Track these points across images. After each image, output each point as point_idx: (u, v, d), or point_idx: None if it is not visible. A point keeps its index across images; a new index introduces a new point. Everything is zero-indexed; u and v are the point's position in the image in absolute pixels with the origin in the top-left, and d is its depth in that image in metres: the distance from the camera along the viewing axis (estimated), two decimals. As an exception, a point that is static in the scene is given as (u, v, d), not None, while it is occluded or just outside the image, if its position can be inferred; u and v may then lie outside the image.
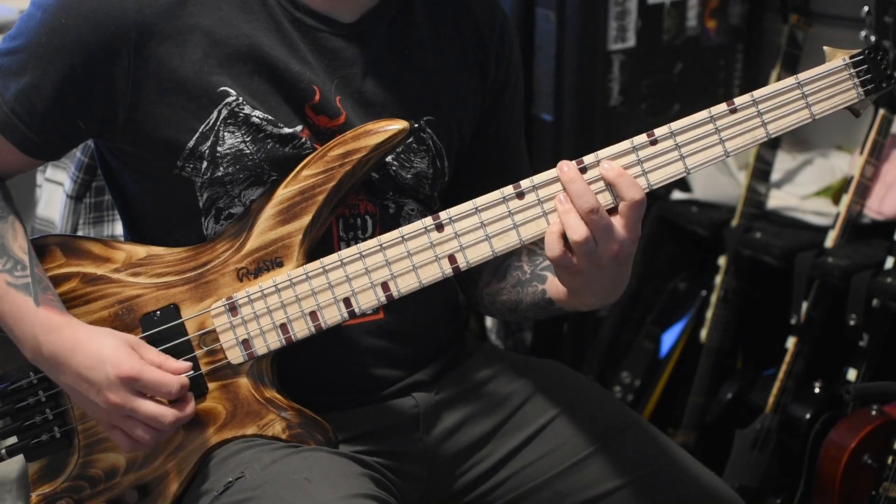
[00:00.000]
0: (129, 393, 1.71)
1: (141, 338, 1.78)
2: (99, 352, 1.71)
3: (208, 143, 1.78)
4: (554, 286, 1.85)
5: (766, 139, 1.68)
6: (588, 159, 1.69)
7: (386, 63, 1.87)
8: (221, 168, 1.79)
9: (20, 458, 1.88)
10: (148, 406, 1.72)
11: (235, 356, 1.77)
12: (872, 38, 2.62)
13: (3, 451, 1.83)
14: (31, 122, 1.78)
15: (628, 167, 1.68)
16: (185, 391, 1.74)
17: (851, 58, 1.66)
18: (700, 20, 3.27)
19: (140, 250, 1.81)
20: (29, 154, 1.81)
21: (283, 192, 1.77)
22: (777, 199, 3.05)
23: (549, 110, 3.16)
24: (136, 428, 1.74)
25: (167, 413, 1.72)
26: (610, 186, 1.68)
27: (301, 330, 1.76)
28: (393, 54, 1.88)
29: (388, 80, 1.87)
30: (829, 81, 1.66)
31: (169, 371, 1.74)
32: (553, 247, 1.68)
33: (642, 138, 1.69)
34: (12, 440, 1.84)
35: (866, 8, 2.64)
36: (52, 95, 1.76)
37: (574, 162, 1.69)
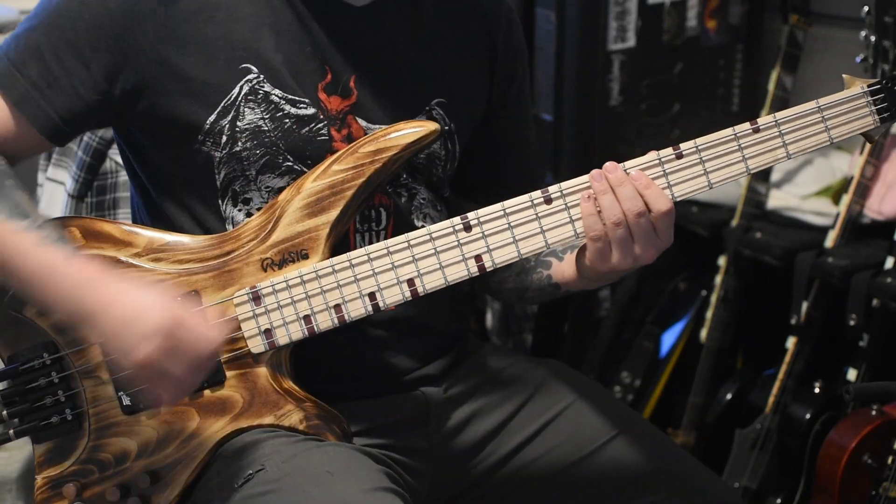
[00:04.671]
0: (165, 347, 1.64)
1: None
2: (140, 303, 1.66)
3: (229, 118, 1.80)
4: (559, 271, 1.92)
5: (786, 160, 1.75)
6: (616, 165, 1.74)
7: (397, 46, 1.90)
8: (240, 143, 1.80)
9: (21, 458, 1.87)
10: (179, 367, 1.66)
11: (256, 345, 1.77)
12: (872, 38, 2.62)
13: (12, 431, 1.82)
14: (52, 97, 1.78)
15: (654, 179, 1.73)
16: (223, 346, 1.74)
17: (869, 86, 1.74)
18: (700, 20, 3.27)
19: (162, 236, 1.81)
20: (44, 133, 1.81)
21: (312, 185, 1.78)
22: (777, 199, 3.06)
23: (549, 110, 3.17)
24: (163, 388, 1.70)
25: (196, 376, 1.71)
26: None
27: (324, 322, 1.77)
28: (404, 38, 1.91)
29: (399, 62, 1.90)
30: (847, 108, 1.75)
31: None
32: (595, 225, 1.72)
33: (668, 152, 1.74)
34: (20, 421, 1.82)
35: (866, 8, 2.65)
36: (77, 68, 1.77)
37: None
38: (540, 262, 1.94)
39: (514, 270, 2.00)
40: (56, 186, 2.68)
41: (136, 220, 1.97)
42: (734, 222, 3.03)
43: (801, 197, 3.07)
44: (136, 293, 1.68)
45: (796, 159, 3.14)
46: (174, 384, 1.69)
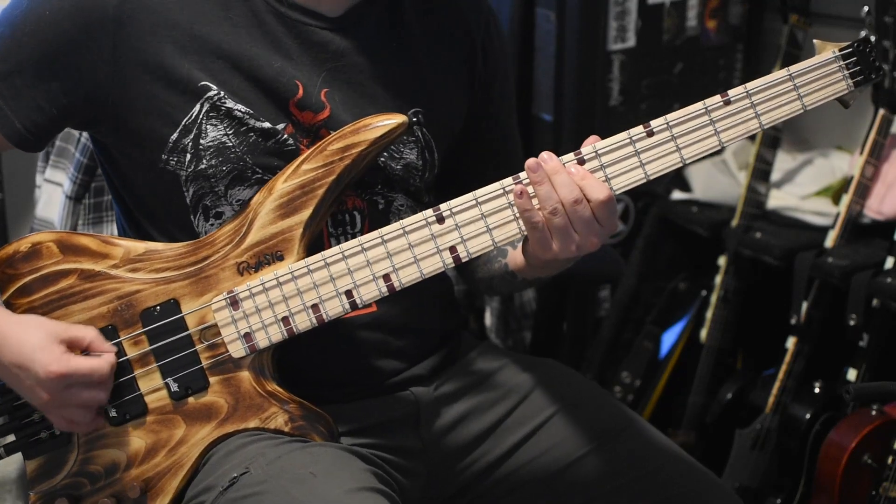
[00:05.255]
0: (60, 387, 1.72)
1: (142, 332, 1.79)
2: (28, 352, 1.72)
3: (191, 136, 1.80)
4: (513, 258, 1.93)
5: (759, 130, 1.72)
6: (586, 150, 1.73)
7: (373, 56, 1.89)
8: (204, 161, 1.80)
9: (20, 458, 1.88)
10: (77, 396, 1.74)
11: (237, 350, 1.77)
12: (872, 39, 2.61)
13: (1, 449, 1.82)
14: (16, 108, 1.80)
15: (626, 158, 1.72)
16: (114, 370, 1.76)
17: (841, 50, 1.71)
18: (700, 20, 3.27)
19: (138, 246, 1.81)
20: (12, 141, 1.83)
21: (283, 186, 1.78)
22: (777, 199, 3.05)
23: (549, 110, 3.17)
24: (72, 414, 1.76)
25: (97, 397, 1.75)
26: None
27: (303, 322, 1.77)
28: (381, 47, 1.90)
29: (375, 72, 1.89)
30: (819, 73, 1.71)
31: (99, 348, 1.76)
32: (532, 216, 1.71)
33: (639, 130, 1.72)
34: (10, 438, 1.83)
35: (866, 8, 2.64)
36: (35, 84, 1.79)
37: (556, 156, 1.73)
38: (500, 251, 1.96)
39: (482, 260, 2.02)
40: (54, 188, 2.69)
41: (120, 231, 1.98)
42: (734, 222, 3.03)
43: (801, 197, 3.07)
44: (20, 337, 1.73)
45: (796, 159, 3.15)
46: (77, 413, 1.76)
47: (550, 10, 3.11)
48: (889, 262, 2.70)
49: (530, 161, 1.71)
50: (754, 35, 3.40)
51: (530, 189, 1.71)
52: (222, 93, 1.79)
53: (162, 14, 1.79)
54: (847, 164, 3.10)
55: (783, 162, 3.14)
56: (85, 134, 2.54)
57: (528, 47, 3.18)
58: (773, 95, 1.70)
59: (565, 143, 3.14)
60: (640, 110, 3.23)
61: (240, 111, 1.80)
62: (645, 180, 1.72)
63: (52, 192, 2.69)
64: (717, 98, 1.71)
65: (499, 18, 2.06)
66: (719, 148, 1.72)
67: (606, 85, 3.17)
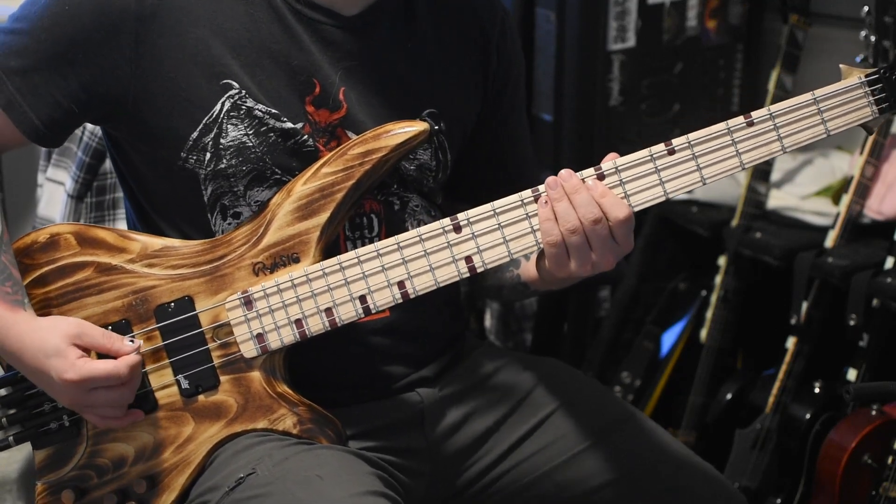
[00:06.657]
0: (81, 392, 1.72)
1: (155, 328, 1.79)
2: (43, 359, 1.72)
3: (212, 135, 1.79)
4: (526, 270, 1.94)
5: (781, 153, 1.72)
6: (606, 166, 1.73)
7: (389, 56, 1.89)
8: (224, 160, 1.80)
9: (20, 458, 1.88)
10: (102, 397, 1.74)
11: (249, 350, 1.78)
12: (872, 38, 2.62)
13: (11, 438, 1.83)
14: (34, 104, 1.79)
15: (646, 175, 1.72)
16: (136, 370, 1.75)
17: (867, 76, 1.70)
18: (700, 20, 3.27)
19: (156, 242, 1.82)
20: (29, 137, 1.82)
21: (302, 188, 1.78)
22: (777, 199, 3.05)
23: (549, 110, 3.17)
24: (100, 413, 1.76)
25: (123, 396, 1.75)
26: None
27: (316, 325, 1.77)
28: (396, 48, 1.90)
29: (390, 73, 1.89)
30: (844, 99, 1.70)
31: (117, 353, 1.75)
32: (551, 230, 1.71)
33: (660, 147, 1.72)
34: (20, 427, 1.83)
35: (866, 8, 2.64)
36: (53, 80, 1.78)
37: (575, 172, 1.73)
38: (512, 261, 1.94)
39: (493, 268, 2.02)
40: (56, 187, 2.69)
41: (131, 228, 1.97)
42: (734, 222, 3.03)
43: (801, 197, 3.07)
44: (36, 344, 1.73)
45: (796, 159, 3.16)
46: (107, 411, 1.76)
47: (550, 10, 3.11)
48: (889, 262, 2.70)
49: (550, 179, 1.71)
50: (754, 35, 3.40)
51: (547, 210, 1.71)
52: (243, 91, 1.79)
53: (184, 10, 1.78)
54: (847, 164, 3.11)
55: (783, 162, 3.14)
56: (88, 133, 2.54)
57: (528, 47, 3.18)
58: (796, 118, 1.70)
59: (565, 143, 3.14)
60: (640, 110, 3.23)
61: (260, 111, 1.80)
62: (664, 198, 1.72)
63: (54, 191, 2.69)
64: (741, 119, 1.71)
65: (512, 19, 2.06)
66: (741, 169, 1.71)
67: (606, 85, 3.17)
